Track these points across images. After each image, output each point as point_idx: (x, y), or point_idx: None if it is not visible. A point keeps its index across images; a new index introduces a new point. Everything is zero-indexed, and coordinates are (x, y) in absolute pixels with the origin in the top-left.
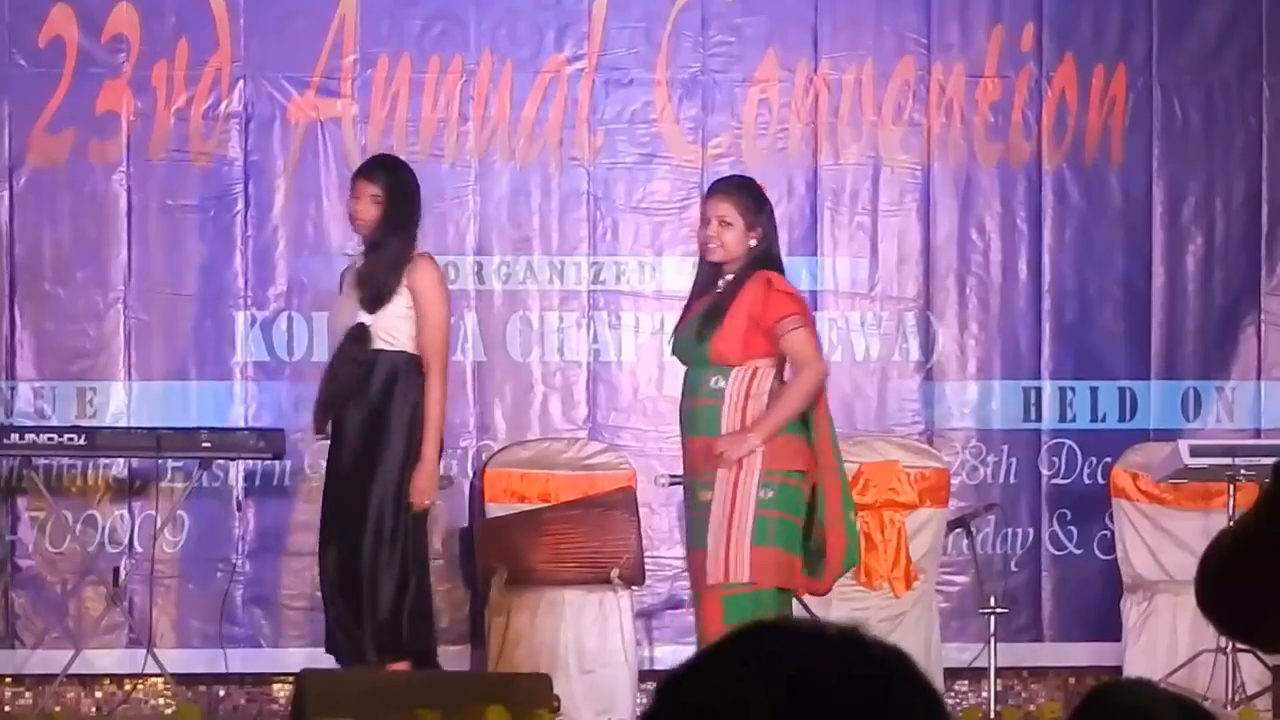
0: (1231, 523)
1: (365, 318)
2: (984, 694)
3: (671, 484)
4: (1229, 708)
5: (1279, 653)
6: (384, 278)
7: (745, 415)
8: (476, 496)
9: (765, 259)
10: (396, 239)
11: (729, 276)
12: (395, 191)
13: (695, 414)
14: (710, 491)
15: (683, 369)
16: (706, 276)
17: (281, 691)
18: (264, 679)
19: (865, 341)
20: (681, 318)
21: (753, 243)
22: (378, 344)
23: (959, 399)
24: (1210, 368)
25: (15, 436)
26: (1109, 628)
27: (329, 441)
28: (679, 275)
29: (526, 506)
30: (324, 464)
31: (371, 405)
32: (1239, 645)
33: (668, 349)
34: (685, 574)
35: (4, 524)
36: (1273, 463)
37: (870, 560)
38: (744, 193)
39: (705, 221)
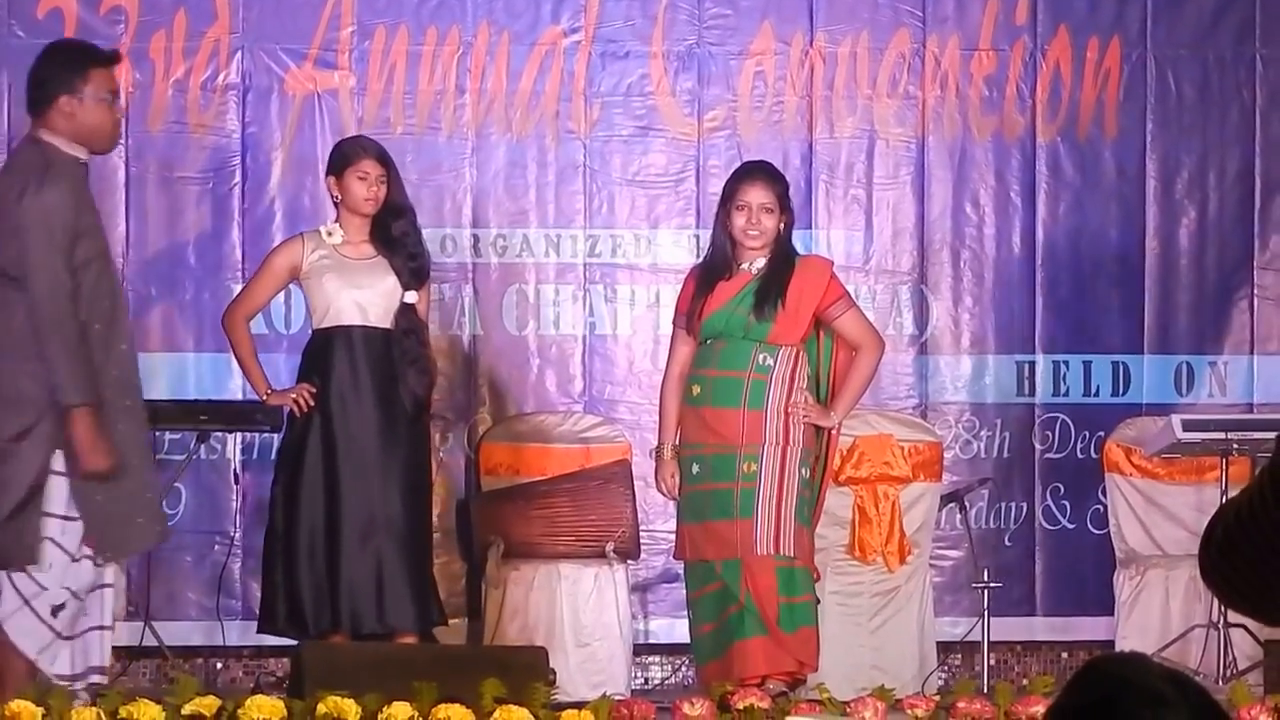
0: (1233, 495)
1: (410, 296)
2: (977, 668)
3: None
4: (1220, 682)
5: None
6: (426, 257)
7: (790, 392)
8: (472, 470)
9: (790, 241)
10: (414, 217)
11: (761, 259)
12: (394, 170)
13: (735, 386)
14: (755, 463)
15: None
16: (726, 257)
17: (279, 664)
18: (261, 652)
19: None
20: (703, 297)
21: (782, 226)
22: (421, 319)
23: (953, 373)
24: (1203, 342)
25: None
26: (1102, 602)
27: (317, 412)
28: (675, 248)
29: (522, 480)
30: (318, 435)
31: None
32: (1232, 620)
33: (698, 326)
34: (673, 549)
35: None
36: (1276, 435)
37: (864, 534)
38: (777, 178)
39: (741, 209)
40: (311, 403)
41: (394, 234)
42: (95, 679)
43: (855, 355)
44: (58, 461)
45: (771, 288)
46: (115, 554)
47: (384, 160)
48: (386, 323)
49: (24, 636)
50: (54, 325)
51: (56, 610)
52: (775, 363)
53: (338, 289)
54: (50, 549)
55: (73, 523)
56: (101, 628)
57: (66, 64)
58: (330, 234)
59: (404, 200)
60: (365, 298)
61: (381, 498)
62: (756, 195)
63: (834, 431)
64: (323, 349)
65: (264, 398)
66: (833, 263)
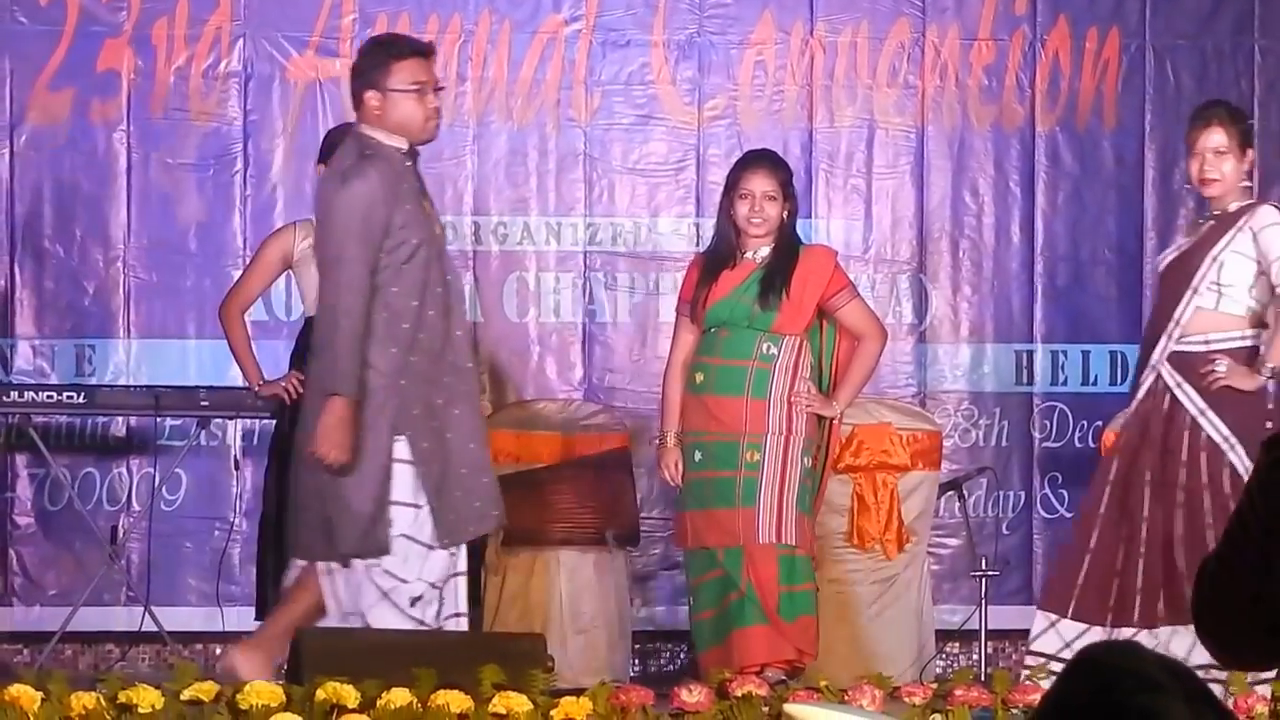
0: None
1: None
2: (975, 656)
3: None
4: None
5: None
6: None
7: (793, 381)
8: None
9: (794, 229)
10: None
11: (765, 248)
12: None
13: (739, 375)
14: (758, 452)
15: (679, 331)
16: (730, 245)
17: None
18: None
19: None
20: (707, 285)
21: (785, 214)
22: None
23: (952, 362)
24: None
25: (14, 394)
26: None
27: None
28: (675, 236)
29: (522, 467)
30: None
31: None
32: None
33: (702, 315)
34: (673, 535)
35: (3, 481)
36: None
37: (863, 522)
38: (780, 166)
39: (744, 197)
40: (301, 390)
41: None
42: None
43: (858, 345)
44: (402, 450)
45: (776, 277)
46: (453, 539)
47: None
48: None
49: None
50: (343, 314)
51: (415, 601)
52: (779, 352)
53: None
54: (403, 542)
55: (422, 510)
56: (458, 614)
57: (370, 59)
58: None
59: None
60: None
61: None
62: (759, 183)
63: (836, 421)
64: (311, 337)
65: (255, 389)
66: (837, 252)
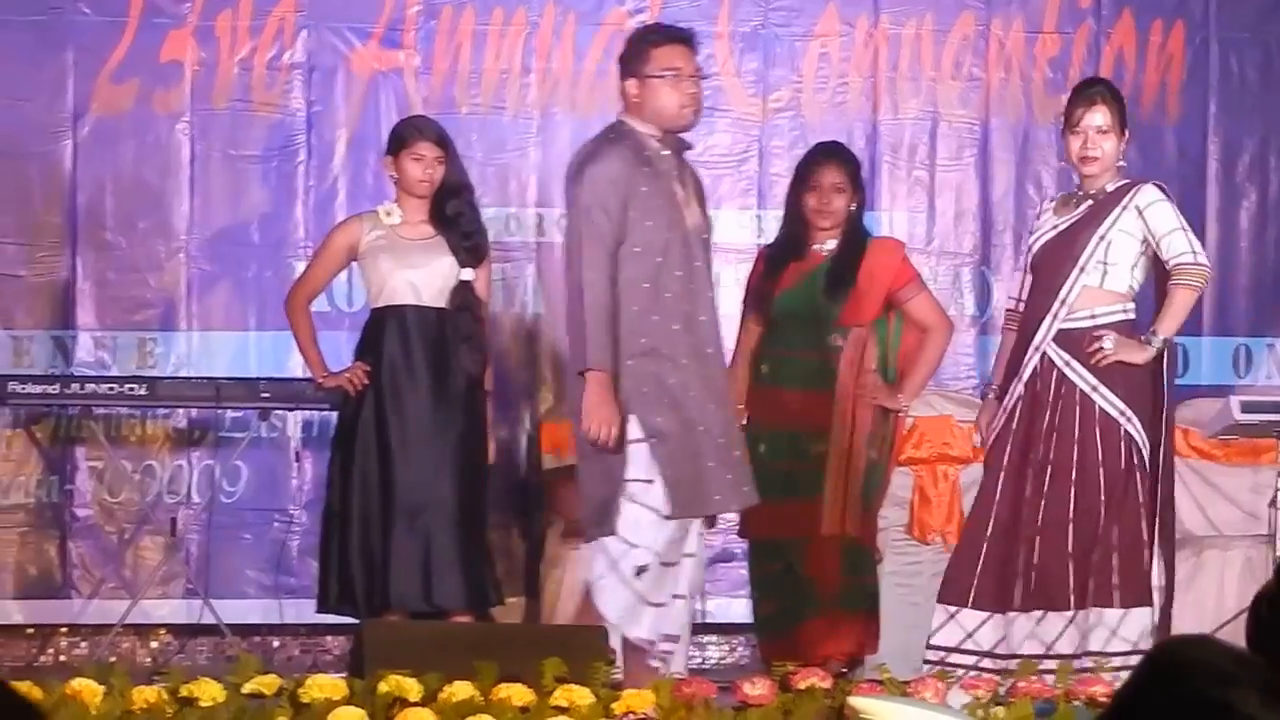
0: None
1: (467, 274)
2: None
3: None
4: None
5: None
6: (483, 235)
7: (858, 373)
8: (534, 448)
9: (861, 221)
10: (472, 196)
11: (832, 240)
12: (452, 150)
13: (805, 366)
14: (823, 445)
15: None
16: (797, 237)
17: (335, 643)
18: (317, 630)
19: None
20: (773, 277)
21: (853, 206)
22: (479, 296)
23: None
24: (1262, 324)
25: (76, 386)
26: None
27: (373, 392)
28: (738, 228)
29: None
30: (371, 414)
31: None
32: None
33: (769, 306)
34: (737, 527)
35: (64, 473)
36: None
37: (923, 514)
38: (849, 159)
39: (813, 189)
40: (366, 381)
41: (449, 213)
42: (665, 647)
43: (924, 337)
44: (633, 429)
45: (843, 269)
46: (690, 511)
47: (441, 141)
48: (441, 302)
49: (608, 600)
50: (585, 291)
51: (640, 571)
52: (845, 343)
53: (391, 269)
54: (635, 509)
55: (655, 483)
56: (675, 595)
57: (632, 48)
58: (389, 214)
59: (462, 179)
60: (419, 277)
61: (432, 477)
62: (828, 175)
63: (901, 414)
64: (377, 329)
65: (320, 380)
66: (904, 244)
